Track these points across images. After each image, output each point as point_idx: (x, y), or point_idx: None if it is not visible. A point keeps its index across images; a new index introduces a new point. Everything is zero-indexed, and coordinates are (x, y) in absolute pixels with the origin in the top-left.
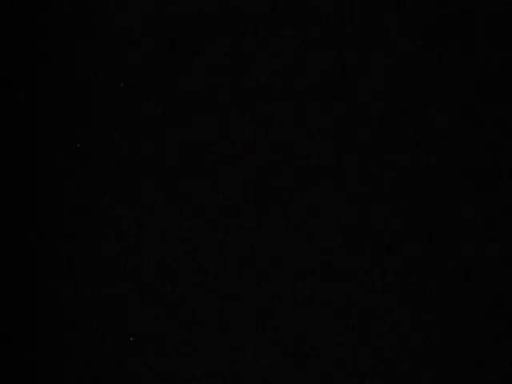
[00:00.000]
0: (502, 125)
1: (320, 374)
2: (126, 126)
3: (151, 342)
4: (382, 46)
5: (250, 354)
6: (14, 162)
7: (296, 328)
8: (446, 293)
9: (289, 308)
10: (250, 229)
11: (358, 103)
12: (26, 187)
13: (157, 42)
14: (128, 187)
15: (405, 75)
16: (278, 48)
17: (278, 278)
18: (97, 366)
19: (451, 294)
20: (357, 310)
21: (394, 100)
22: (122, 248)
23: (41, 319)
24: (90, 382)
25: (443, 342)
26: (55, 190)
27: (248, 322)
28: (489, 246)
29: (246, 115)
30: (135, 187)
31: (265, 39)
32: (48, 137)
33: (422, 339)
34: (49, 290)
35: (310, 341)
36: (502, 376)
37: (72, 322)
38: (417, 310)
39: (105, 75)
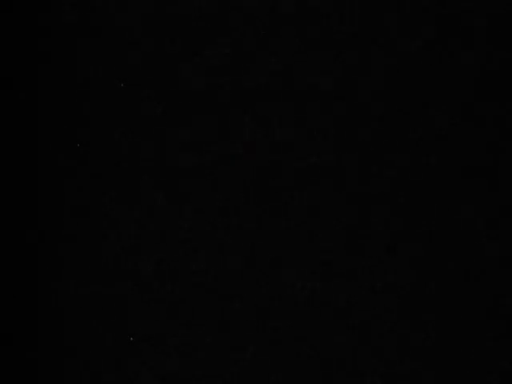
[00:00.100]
0: (502, 125)
1: (320, 374)
2: (125, 126)
3: (151, 342)
4: (382, 45)
5: (250, 354)
6: (14, 161)
7: (296, 328)
8: (445, 293)
9: (289, 308)
10: (250, 229)
11: (358, 103)
12: (26, 187)
13: (157, 42)
14: (128, 187)
15: (405, 75)
16: (278, 48)
17: (278, 277)
18: (97, 366)
19: (451, 294)
20: (357, 310)
21: (394, 100)
22: (122, 248)
23: (41, 319)
24: (90, 382)
25: (443, 342)
26: (55, 190)
27: (248, 322)
28: (489, 245)
29: (246, 115)
30: (135, 187)
31: (265, 39)
32: (48, 137)
33: (421, 339)
34: (49, 290)
35: (310, 341)
36: (502, 376)
37: (72, 322)
38: (417, 310)
39: (105, 75)
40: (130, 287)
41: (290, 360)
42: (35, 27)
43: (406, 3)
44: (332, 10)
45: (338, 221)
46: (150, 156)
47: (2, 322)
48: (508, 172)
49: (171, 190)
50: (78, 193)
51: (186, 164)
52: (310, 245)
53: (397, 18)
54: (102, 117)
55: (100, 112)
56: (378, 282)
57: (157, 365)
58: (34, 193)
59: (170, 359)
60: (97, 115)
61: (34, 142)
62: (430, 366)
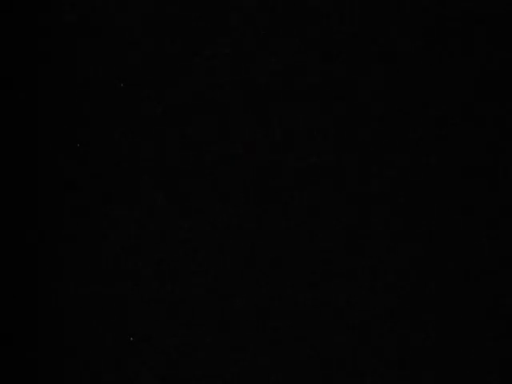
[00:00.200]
0: (502, 125)
1: (320, 374)
2: (126, 126)
3: (151, 342)
4: (382, 45)
5: (250, 354)
6: (14, 161)
7: (296, 328)
8: (445, 293)
9: (289, 308)
10: (250, 229)
11: (358, 103)
12: (26, 187)
13: (157, 42)
14: (128, 187)
15: (405, 75)
16: (278, 48)
17: (278, 278)
18: (97, 366)
19: (451, 294)
20: (357, 310)
21: (394, 100)
22: (122, 248)
23: (41, 319)
24: (90, 382)
25: (443, 342)
26: (55, 190)
27: (248, 322)
28: (489, 245)
29: (246, 115)
30: (135, 187)
31: (265, 39)
32: (48, 137)
33: (421, 339)
34: (49, 289)
35: (310, 341)
36: (502, 376)
37: (72, 322)
38: (417, 310)
39: (105, 75)
40: (129, 287)
41: (290, 360)
42: (35, 27)
43: (405, 3)
44: (332, 10)
45: (338, 221)
46: (150, 156)
47: (2, 322)
48: (508, 172)
49: (171, 190)
50: (78, 193)
51: (186, 164)
52: (310, 245)
53: (397, 18)
54: (101, 117)
55: (100, 112)
56: (378, 282)
57: (157, 365)
58: (33, 193)
59: (169, 359)
60: (97, 115)
61: (34, 142)
62: (430, 366)
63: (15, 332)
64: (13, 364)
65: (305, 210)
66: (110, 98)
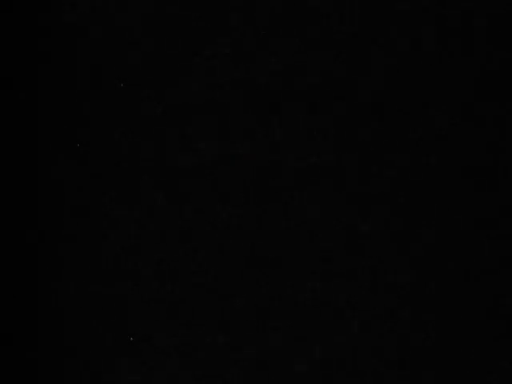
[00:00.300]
0: (502, 125)
1: (320, 373)
2: (125, 126)
3: (151, 342)
4: (382, 45)
5: (250, 354)
6: (14, 161)
7: (296, 328)
8: (446, 293)
9: (289, 308)
10: (250, 229)
11: (358, 103)
12: (26, 187)
13: (157, 42)
14: (128, 187)
15: (405, 75)
16: (278, 48)
17: (278, 278)
18: (97, 366)
19: (451, 294)
20: (357, 310)
21: (394, 100)
22: (122, 248)
23: (41, 319)
24: (90, 382)
25: (443, 342)
26: (55, 190)
27: (248, 322)
28: (489, 245)
29: (246, 115)
30: (135, 187)
31: (265, 39)
32: (48, 137)
33: (421, 339)
34: (49, 290)
35: (310, 341)
36: (502, 376)
37: (72, 322)
38: (417, 310)
39: (105, 75)
40: (129, 287)
41: (290, 360)
42: (35, 27)
43: (405, 3)
44: (332, 9)
45: (338, 221)
46: (150, 156)
47: (2, 322)
48: (508, 172)
49: (171, 189)
50: (78, 193)
51: (186, 164)
52: (310, 245)
53: (397, 17)
54: (101, 117)
55: (100, 112)
56: (378, 282)
57: (157, 365)
58: (33, 193)
59: (169, 359)
60: (97, 115)
61: (34, 142)
62: (430, 366)
63: (15, 332)
64: (13, 364)
65: (305, 210)
66: (110, 98)
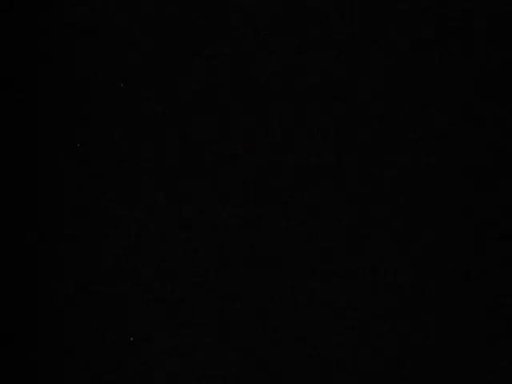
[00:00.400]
0: (502, 125)
1: (320, 374)
2: (126, 126)
3: (151, 342)
4: (382, 45)
5: (250, 354)
6: (14, 161)
7: (296, 328)
8: (445, 293)
9: (289, 308)
10: (250, 229)
11: (358, 103)
12: (26, 187)
13: (157, 42)
14: (128, 187)
15: (405, 75)
16: (278, 48)
17: (278, 277)
18: (97, 366)
19: (451, 294)
20: (357, 310)
21: (394, 100)
22: (122, 248)
23: (41, 319)
24: (90, 382)
25: (443, 342)
26: (55, 190)
27: (248, 322)
28: (489, 245)
29: (246, 115)
30: (135, 187)
31: (265, 39)
32: (48, 137)
33: (421, 339)
34: (49, 290)
35: (310, 341)
36: (502, 376)
37: (72, 322)
38: (417, 310)
39: (105, 75)
40: (129, 287)
41: (290, 360)
42: (35, 27)
43: (405, 3)
44: (332, 9)
45: (338, 221)
46: (150, 156)
47: (2, 322)
48: (508, 172)
49: (171, 189)
50: (78, 193)
51: (186, 164)
52: (310, 245)
53: (397, 17)
54: (102, 117)
55: (100, 112)
56: (378, 282)
57: (157, 365)
58: (34, 193)
59: (169, 359)
60: (97, 115)
61: (34, 142)
62: (430, 366)
63: (15, 332)
64: (13, 364)
65: (305, 210)
66: (110, 98)
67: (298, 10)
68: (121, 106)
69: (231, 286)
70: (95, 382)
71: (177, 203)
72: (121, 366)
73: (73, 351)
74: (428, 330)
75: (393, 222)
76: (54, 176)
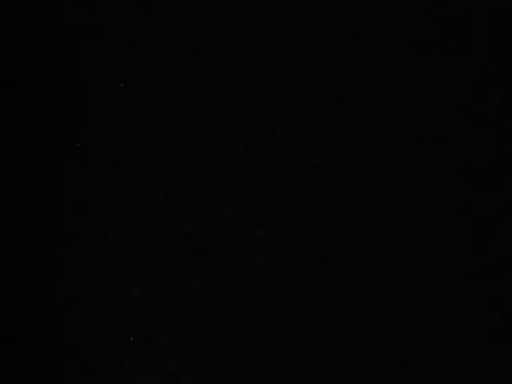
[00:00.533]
0: (501, 125)
1: (320, 374)
2: (126, 126)
3: (151, 342)
4: (382, 46)
5: (250, 354)
6: (14, 161)
7: (296, 328)
8: (446, 293)
9: (289, 308)
10: (250, 229)
11: (358, 103)
12: (26, 187)
13: (157, 42)
14: (128, 187)
15: (405, 75)
16: (278, 48)
17: (278, 278)
18: (97, 366)
19: (451, 294)
20: (357, 310)
21: (394, 100)
22: (122, 248)
23: (41, 319)
24: (90, 382)
25: (443, 342)
26: (55, 190)
27: (248, 322)
28: (489, 245)
29: (246, 115)
30: (135, 187)
31: (265, 39)
32: (48, 137)
33: (421, 339)
34: (49, 289)
35: (310, 341)
36: (502, 376)
37: (72, 322)
38: (417, 310)
39: (105, 75)
40: (129, 287)
41: (290, 360)
42: (35, 27)
43: (405, 3)
44: (332, 9)
45: (338, 221)
46: (150, 156)
47: (2, 322)
48: (508, 172)
49: (171, 190)
50: (78, 193)
51: (186, 164)
52: (310, 245)
53: (397, 17)
54: (102, 117)
55: (100, 112)
56: (378, 282)
57: (157, 365)
58: (34, 193)
59: (169, 359)
60: (97, 115)
61: (34, 142)
62: (430, 366)
63: (15, 332)
64: (13, 364)
65: (305, 210)
66: (110, 98)
67: (298, 10)
68: (121, 106)
69: (231, 286)
70: (95, 381)
71: (177, 203)
72: (121, 366)
73: (73, 351)
74: (428, 330)
75: (393, 222)
76: (54, 176)
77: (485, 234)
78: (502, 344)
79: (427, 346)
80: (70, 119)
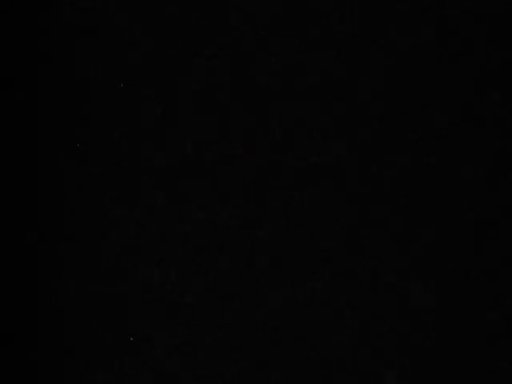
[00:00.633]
0: (502, 125)
1: (320, 374)
2: (126, 126)
3: (151, 342)
4: (382, 46)
5: (249, 354)
6: (14, 161)
7: (296, 328)
8: (445, 293)
9: (289, 308)
10: (250, 229)
11: (358, 103)
12: (26, 187)
13: (157, 42)
14: (128, 187)
15: (405, 75)
16: (278, 48)
17: (278, 277)
18: (97, 366)
19: (451, 294)
20: (357, 310)
21: (394, 100)
22: (122, 248)
23: (41, 319)
24: (90, 382)
25: (443, 342)
26: (55, 190)
27: (248, 322)
28: (489, 245)
29: (246, 115)
30: (135, 187)
31: (265, 39)
32: (48, 137)
33: (421, 339)
34: (49, 289)
35: (310, 341)
36: (502, 376)
37: (72, 322)
38: (417, 310)
39: (105, 75)
40: (129, 287)
41: (290, 360)
42: (35, 27)
43: (405, 3)
44: (332, 9)
45: (338, 221)
46: (150, 156)
47: (2, 322)
48: (508, 172)
49: (171, 189)
50: (78, 193)
51: (186, 164)
52: (310, 245)
53: (397, 18)
54: (101, 117)
55: (100, 112)
56: (378, 282)
57: (157, 365)
58: (34, 193)
59: (169, 359)
60: (97, 115)
61: (34, 142)
62: (430, 366)
63: (15, 332)
64: (13, 364)
65: (305, 210)
66: (110, 98)
67: (298, 10)
68: (121, 106)
69: (231, 286)
70: (95, 381)
71: (177, 203)
72: (121, 366)
73: (73, 351)
74: (428, 330)
75: (393, 222)
76: (54, 176)
77: (485, 234)
78: (502, 344)
79: (427, 345)
80: (70, 119)
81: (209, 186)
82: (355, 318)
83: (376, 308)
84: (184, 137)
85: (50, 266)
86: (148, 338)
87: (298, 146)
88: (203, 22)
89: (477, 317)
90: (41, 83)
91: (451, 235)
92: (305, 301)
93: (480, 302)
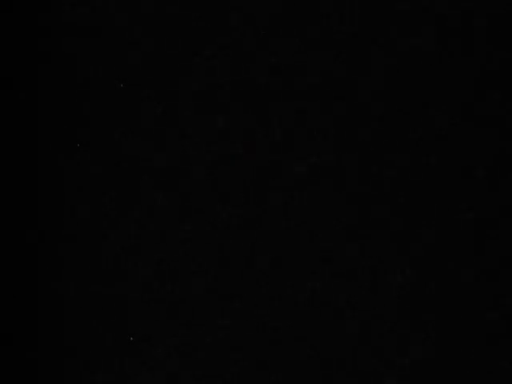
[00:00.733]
0: (502, 125)
1: (320, 374)
2: (126, 126)
3: (151, 342)
4: (382, 46)
5: (250, 354)
6: (14, 161)
7: (296, 328)
8: (446, 293)
9: (289, 308)
10: (250, 229)
11: (358, 103)
12: (26, 187)
13: (157, 42)
14: (128, 187)
15: (405, 75)
16: (278, 48)
17: (278, 277)
18: (97, 366)
19: (451, 294)
20: (357, 310)
21: (394, 100)
22: (122, 248)
23: (41, 319)
24: (90, 382)
25: (443, 342)
26: (55, 190)
27: (248, 322)
28: (489, 245)
29: (246, 115)
30: (135, 187)
31: (265, 39)
32: (48, 137)
33: (421, 339)
34: (49, 290)
35: (310, 341)
36: (502, 376)
37: (72, 322)
38: (417, 310)
39: (105, 75)
40: (129, 287)
41: (290, 360)
42: (35, 27)
43: (405, 3)
44: (332, 9)
45: (338, 221)
46: (150, 156)
47: (2, 322)
48: (508, 172)
49: (171, 190)
50: (78, 193)
51: (186, 164)
52: (310, 245)
53: (397, 18)
54: (101, 117)
55: (100, 112)
56: (378, 282)
57: (157, 365)
58: (33, 193)
59: (169, 359)
60: (97, 115)
61: (34, 142)
62: (430, 366)
63: (15, 332)
64: (13, 364)
65: (305, 210)
66: (110, 98)
67: (298, 10)
68: (121, 106)
69: (231, 286)
70: (95, 382)
71: (177, 203)
72: (121, 366)
73: (73, 351)
74: (428, 330)
75: (393, 222)
76: (54, 176)
77: (485, 234)
78: (502, 344)
79: (427, 346)
80: (70, 119)
81: (209, 186)
82: (355, 318)
83: (376, 308)
84: (184, 137)
85: (50, 265)
86: (148, 338)
87: (298, 146)
88: (203, 22)
89: (477, 317)
90: (41, 83)
91: (451, 235)
92: (305, 301)
93: (480, 302)
